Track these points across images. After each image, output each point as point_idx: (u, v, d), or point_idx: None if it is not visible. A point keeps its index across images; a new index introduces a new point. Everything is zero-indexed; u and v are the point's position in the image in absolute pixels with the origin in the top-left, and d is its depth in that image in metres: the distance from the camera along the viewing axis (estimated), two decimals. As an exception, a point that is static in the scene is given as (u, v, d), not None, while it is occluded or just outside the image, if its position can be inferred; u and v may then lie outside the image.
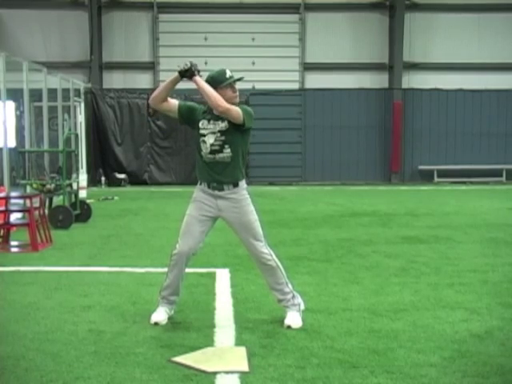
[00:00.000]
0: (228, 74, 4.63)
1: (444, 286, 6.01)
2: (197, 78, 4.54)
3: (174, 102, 4.71)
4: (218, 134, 4.61)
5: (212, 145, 4.62)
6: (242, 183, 4.75)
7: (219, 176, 4.66)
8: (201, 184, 4.75)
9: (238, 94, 4.69)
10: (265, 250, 4.72)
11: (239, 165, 4.70)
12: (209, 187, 4.70)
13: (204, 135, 4.65)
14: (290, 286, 4.81)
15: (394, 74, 20.09)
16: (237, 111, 4.55)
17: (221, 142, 4.61)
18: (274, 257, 4.75)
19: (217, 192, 4.68)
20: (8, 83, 10.48)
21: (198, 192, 4.76)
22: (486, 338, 4.42)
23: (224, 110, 4.52)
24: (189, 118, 4.72)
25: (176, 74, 4.58)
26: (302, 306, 4.85)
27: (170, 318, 4.83)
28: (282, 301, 4.79)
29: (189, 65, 4.55)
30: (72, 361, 3.96)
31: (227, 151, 4.62)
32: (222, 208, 4.70)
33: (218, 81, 4.59)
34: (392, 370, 3.81)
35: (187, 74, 4.55)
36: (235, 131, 4.61)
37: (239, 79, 4.68)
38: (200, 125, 4.67)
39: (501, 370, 3.85)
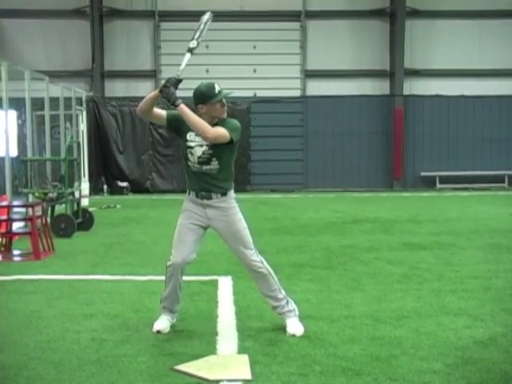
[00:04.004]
0: (217, 88, 4.60)
1: (447, 292, 6.00)
2: (181, 106, 4.48)
3: (161, 113, 4.70)
4: (206, 148, 4.61)
5: (199, 157, 4.64)
6: (231, 192, 4.76)
7: (207, 185, 4.67)
8: (189, 194, 4.76)
9: (226, 108, 4.67)
10: (255, 257, 4.72)
11: (227, 175, 4.71)
12: (197, 196, 4.71)
13: (192, 147, 4.65)
14: (282, 291, 4.82)
15: (395, 80, 20.10)
16: (224, 136, 4.54)
17: (208, 155, 4.62)
18: (265, 264, 4.75)
19: (205, 201, 4.68)
20: (10, 92, 10.50)
21: (188, 202, 4.77)
22: (490, 344, 4.41)
23: (212, 140, 4.53)
24: (177, 127, 4.70)
25: (157, 91, 4.54)
26: (297, 311, 4.84)
27: (172, 327, 4.82)
28: (277, 307, 4.79)
29: (168, 93, 4.45)
30: (74, 369, 3.95)
31: (215, 163, 4.63)
32: (210, 217, 4.70)
33: (207, 97, 4.57)
34: (395, 378, 3.80)
35: (169, 102, 4.51)
36: (223, 145, 4.60)
37: (228, 94, 4.66)
38: (188, 137, 4.67)
39: (505, 376, 3.83)
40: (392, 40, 20.25)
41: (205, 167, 4.65)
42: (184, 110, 4.49)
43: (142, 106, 4.64)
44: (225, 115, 4.68)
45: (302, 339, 4.55)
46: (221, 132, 4.54)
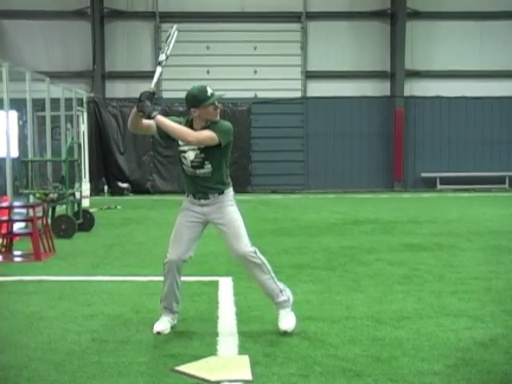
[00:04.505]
0: (209, 91, 4.61)
1: (447, 293, 6.00)
2: (158, 117, 4.50)
3: (150, 124, 4.69)
4: (198, 152, 4.64)
5: (192, 161, 4.67)
6: (228, 191, 4.80)
7: (202, 188, 4.73)
8: (188, 196, 4.83)
9: (219, 110, 4.68)
10: (249, 248, 4.73)
11: (221, 177, 4.74)
12: (195, 198, 4.77)
13: (184, 151, 4.69)
14: (276, 280, 4.83)
15: (395, 81, 20.10)
16: (209, 138, 4.55)
17: (201, 159, 4.65)
18: (259, 254, 4.76)
19: (202, 201, 4.75)
20: (11, 93, 10.50)
21: (186, 202, 4.84)
22: (491, 345, 4.41)
23: (196, 143, 4.57)
24: (167, 134, 4.68)
25: (135, 107, 4.55)
26: (292, 298, 4.87)
27: (172, 327, 4.83)
28: (272, 297, 4.81)
29: (143, 107, 4.46)
30: (75, 370, 3.96)
31: (208, 167, 4.67)
32: (206, 212, 4.76)
33: (199, 100, 4.57)
34: (396, 379, 3.80)
35: (145, 115, 4.53)
36: (214, 148, 4.61)
37: (221, 96, 4.66)
38: (180, 141, 4.69)
39: (505, 378, 3.83)
40: (393, 41, 20.26)
41: (198, 171, 4.69)
42: (160, 120, 4.52)
43: (129, 124, 4.71)
44: (217, 118, 4.68)
45: (303, 340, 4.55)
46: (204, 135, 4.56)
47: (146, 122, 4.70)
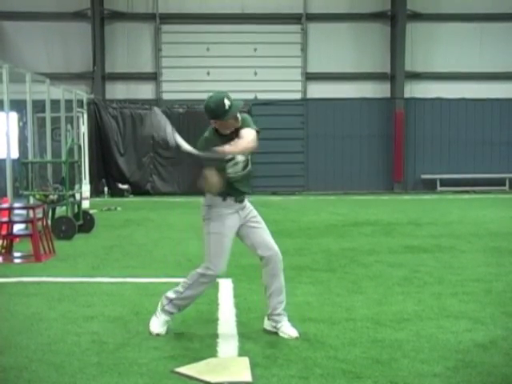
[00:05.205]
0: (227, 104, 4.50)
1: (447, 295, 6.00)
2: (226, 151, 4.38)
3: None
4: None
5: (243, 161, 4.67)
6: None
7: (245, 187, 4.76)
8: (225, 199, 4.65)
9: (239, 118, 4.67)
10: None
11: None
12: (236, 201, 4.71)
13: (231, 159, 4.54)
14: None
15: (395, 83, 20.11)
16: (254, 137, 4.66)
17: (246, 159, 4.71)
18: None
19: (240, 204, 4.76)
20: (11, 94, 10.51)
21: (221, 208, 4.65)
22: (491, 347, 4.41)
23: (255, 145, 4.66)
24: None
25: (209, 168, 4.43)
26: None
27: (173, 329, 4.81)
28: (281, 305, 4.78)
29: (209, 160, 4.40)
30: (75, 372, 3.95)
31: (249, 164, 4.75)
32: (243, 215, 4.80)
33: (217, 114, 4.51)
34: (396, 381, 3.80)
35: (219, 161, 4.43)
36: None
37: (241, 109, 4.63)
38: None
39: (505, 380, 3.83)
40: (393, 43, 20.27)
41: (247, 169, 4.72)
42: (229, 151, 4.42)
43: (218, 188, 4.52)
44: (238, 125, 4.65)
45: (303, 342, 4.55)
46: (252, 133, 4.65)
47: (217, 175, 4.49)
